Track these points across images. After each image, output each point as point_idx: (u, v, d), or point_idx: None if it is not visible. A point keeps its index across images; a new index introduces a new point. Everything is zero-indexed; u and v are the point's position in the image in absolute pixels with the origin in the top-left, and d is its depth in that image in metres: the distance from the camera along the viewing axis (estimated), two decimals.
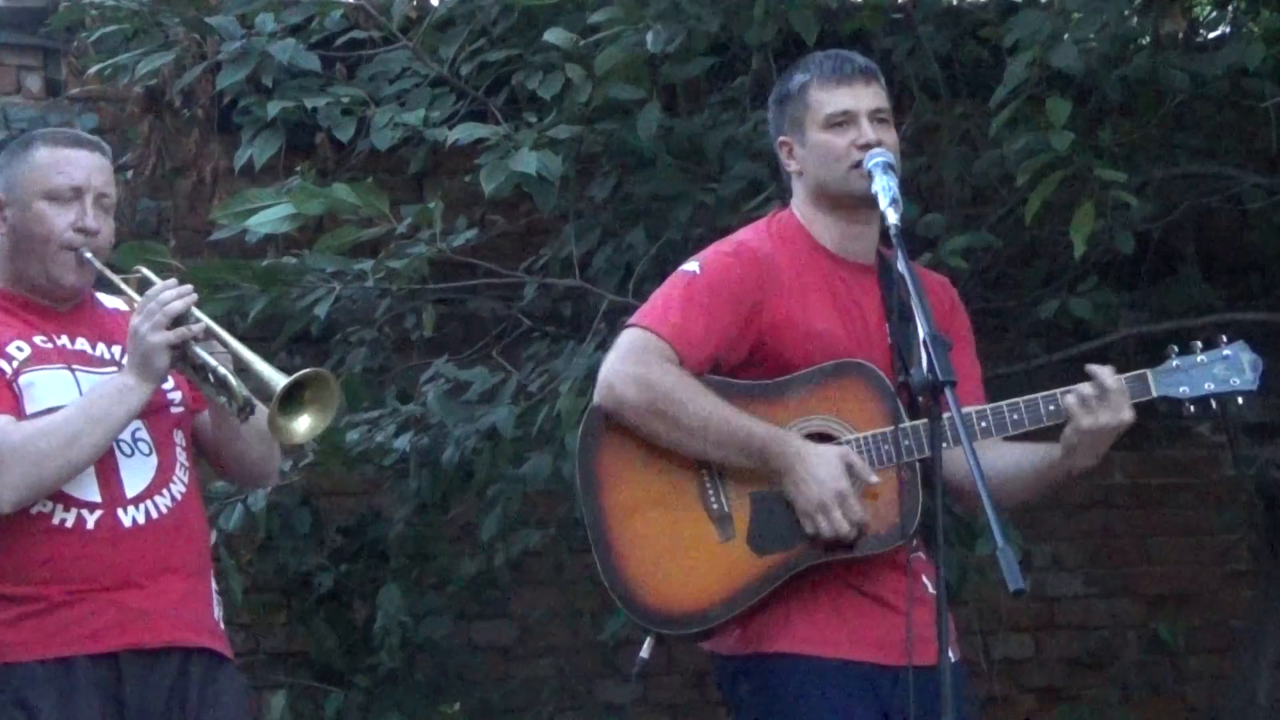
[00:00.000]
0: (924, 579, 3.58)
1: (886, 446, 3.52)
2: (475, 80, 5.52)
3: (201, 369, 3.52)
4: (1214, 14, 5.93)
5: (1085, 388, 3.49)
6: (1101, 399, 3.48)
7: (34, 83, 6.65)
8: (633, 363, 3.55)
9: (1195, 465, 6.92)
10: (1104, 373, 3.51)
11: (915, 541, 3.58)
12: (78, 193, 3.59)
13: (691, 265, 3.65)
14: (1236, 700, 6.21)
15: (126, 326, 3.59)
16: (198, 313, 3.52)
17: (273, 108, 5.44)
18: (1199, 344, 3.58)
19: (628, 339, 3.60)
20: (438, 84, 5.58)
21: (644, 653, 3.61)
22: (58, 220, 3.58)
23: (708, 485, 3.56)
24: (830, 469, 3.47)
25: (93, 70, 5.78)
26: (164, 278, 3.68)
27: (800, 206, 3.71)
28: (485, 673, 6.46)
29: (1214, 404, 3.57)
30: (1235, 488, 6.53)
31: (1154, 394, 3.53)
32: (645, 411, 3.53)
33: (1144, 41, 5.44)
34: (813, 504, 3.47)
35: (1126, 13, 5.31)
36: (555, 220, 5.83)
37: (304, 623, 6.22)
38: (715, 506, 3.55)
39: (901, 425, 3.50)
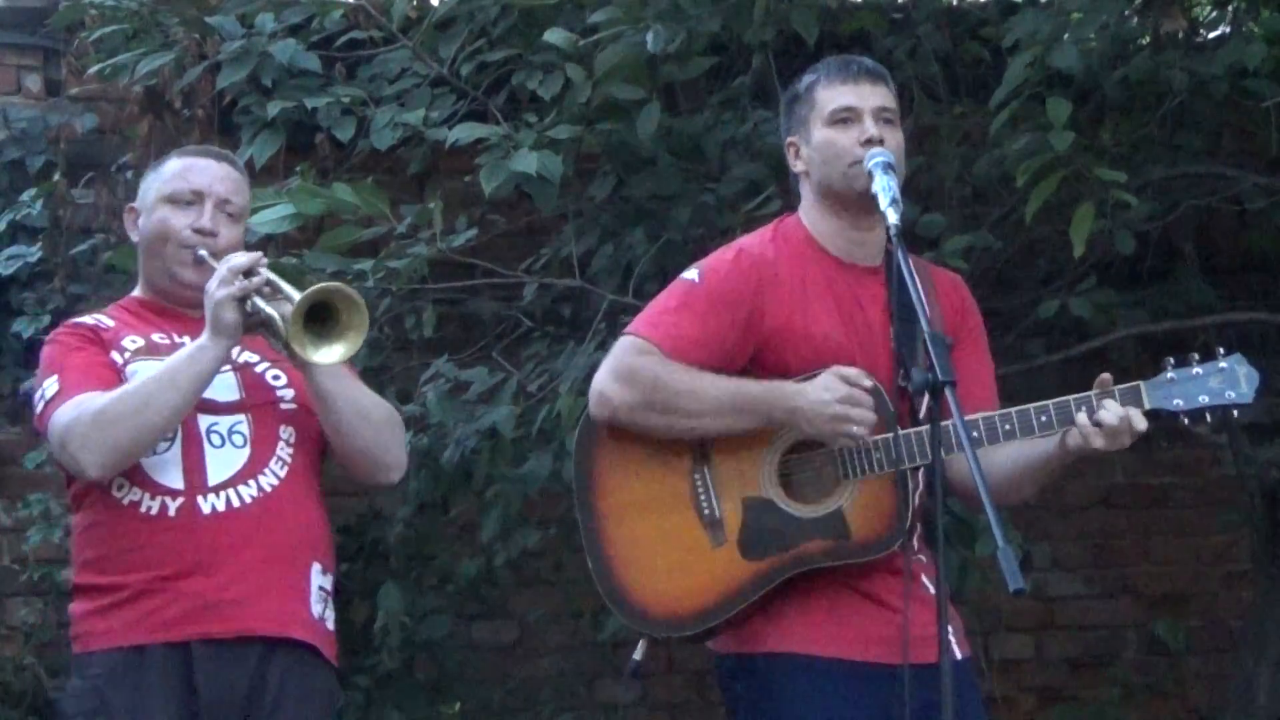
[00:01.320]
0: (923, 579, 3.58)
1: (878, 455, 3.52)
2: (475, 80, 5.52)
3: (267, 322, 3.56)
4: (1214, 14, 5.93)
5: (1106, 415, 3.44)
6: (1114, 428, 3.45)
7: (34, 83, 6.66)
8: (618, 367, 3.57)
9: (1195, 465, 6.92)
10: (1114, 411, 3.45)
11: (916, 543, 3.58)
12: (199, 196, 3.74)
13: (691, 273, 3.65)
14: (1236, 700, 6.20)
15: (258, 337, 3.68)
16: (265, 271, 3.58)
17: (273, 108, 5.44)
18: (1195, 355, 3.55)
19: (619, 346, 3.62)
20: (438, 84, 5.58)
21: (636, 655, 3.64)
22: (176, 221, 3.73)
23: (700, 490, 3.57)
24: (826, 386, 3.47)
25: (93, 70, 5.78)
26: None
27: (806, 210, 3.71)
28: (485, 673, 6.46)
29: (1209, 417, 3.54)
30: (1235, 488, 6.53)
31: (1147, 407, 3.49)
32: (640, 407, 3.54)
33: (1144, 41, 5.43)
34: (828, 421, 3.47)
35: (1126, 13, 5.31)
36: (555, 220, 5.83)
37: None
38: (707, 512, 3.56)
39: (899, 433, 3.49)
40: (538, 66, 5.39)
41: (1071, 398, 3.49)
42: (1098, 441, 3.44)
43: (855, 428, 3.46)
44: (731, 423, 3.53)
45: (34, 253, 6.30)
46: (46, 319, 6.21)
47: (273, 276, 3.58)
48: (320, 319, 3.49)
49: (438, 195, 5.56)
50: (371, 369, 5.82)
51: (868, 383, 3.49)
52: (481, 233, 5.69)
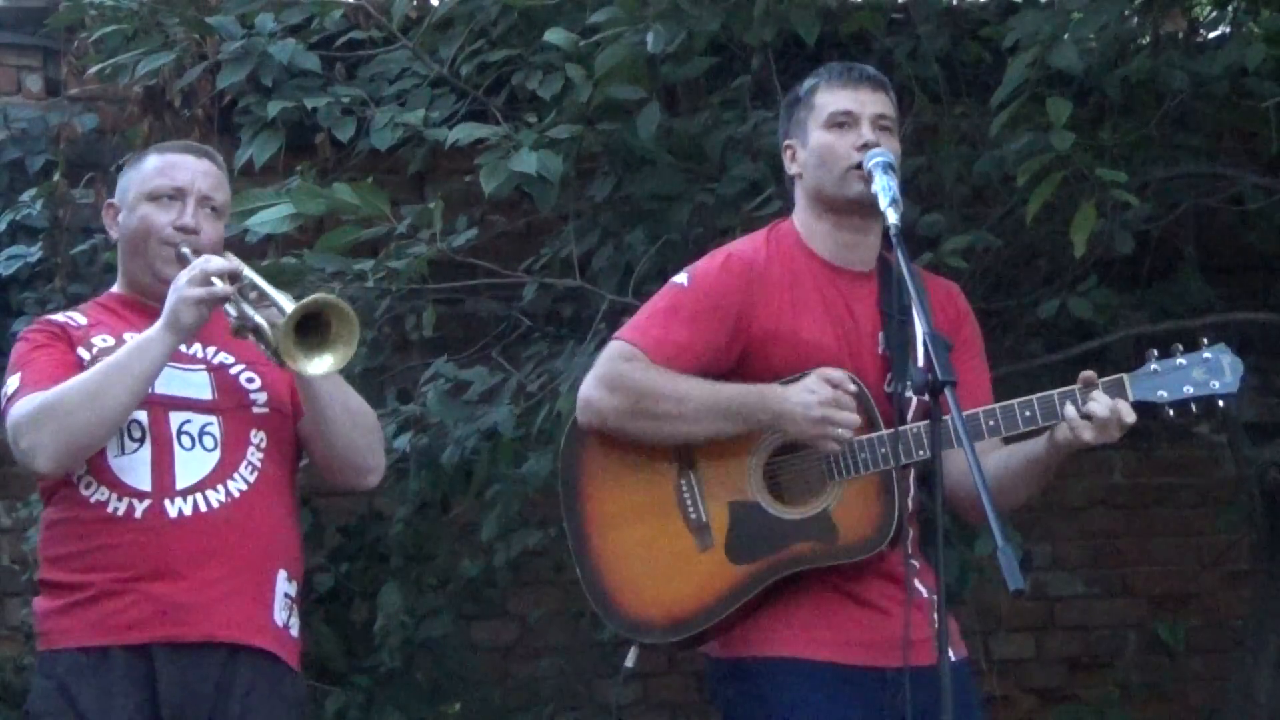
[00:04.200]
0: (916, 583, 3.56)
1: (864, 455, 3.51)
2: (475, 80, 5.52)
3: (256, 329, 3.54)
4: (1214, 14, 5.93)
5: (1095, 406, 3.41)
6: (1103, 419, 3.43)
7: (34, 83, 6.66)
8: (604, 374, 3.58)
9: (1195, 465, 6.92)
10: (1103, 402, 3.43)
11: (910, 546, 3.57)
12: (180, 194, 3.71)
13: (680, 277, 3.66)
14: (1236, 700, 6.20)
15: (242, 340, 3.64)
16: (249, 272, 3.56)
17: (273, 108, 5.44)
18: (1179, 346, 3.52)
19: (605, 352, 3.63)
20: (438, 84, 5.58)
21: (628, 662, 3.63)
22: (158, 219, 3.70)
23: (686, 496, 3.57)
24: (810, 388, 3.47)
25: (93, 70, 5.78)
26: None
27: (799, 214, 3.71)
28: (485, 673, 6.46)
29: (1194, 408, 3.50)
30: (1235, 488, 6.53)
31: (1131, 399, 3.45)
32: (626, 413, 3.54)
33: (1144, 41, 5.43)
34: (810, 423, 3.46)
35: (1126, 13, 5.31)
36: (555, 220, 5.82)
37: (304, 623, 6.20)
38: (694, 516, 3.56)
39: (884, 433, 3.49)
40: (538, 66, 5.38)
41: (1055, 392, 3.48)
42: (1086, 434, 3.42)
43: (839, 430, 3.46)
44: (718, 427, 3.53)
45: (34, 253, 6.30)
46: None
47: (260, 282, 3.56)
48: (311, 329, 3.46)
49: (438, 195, 5.55)
50: (371, 369, 5.84)
51: (852, 386, 3.49)
52: (481, 233, 5.69)
